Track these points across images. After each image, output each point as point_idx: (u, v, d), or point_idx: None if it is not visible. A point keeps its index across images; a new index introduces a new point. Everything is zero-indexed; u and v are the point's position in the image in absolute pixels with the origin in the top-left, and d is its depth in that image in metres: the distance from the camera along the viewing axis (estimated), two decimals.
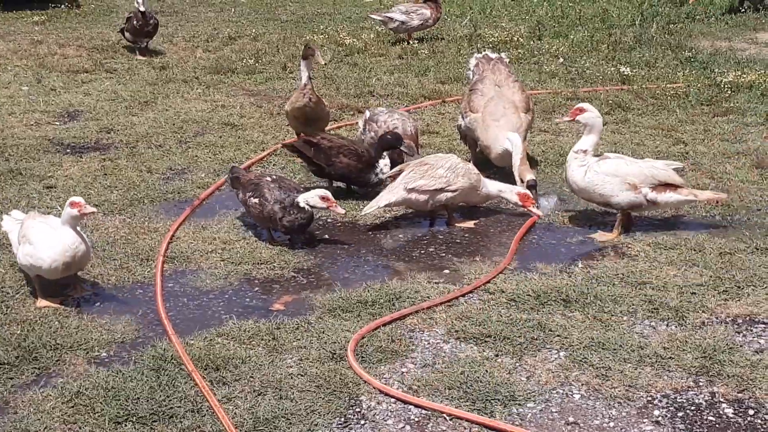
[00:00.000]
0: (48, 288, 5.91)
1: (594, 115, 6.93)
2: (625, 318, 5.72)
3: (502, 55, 8.72)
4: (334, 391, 4.99)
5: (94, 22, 14.41)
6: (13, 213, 6.33)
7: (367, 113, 8.24)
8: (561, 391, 5.02)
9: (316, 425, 4.70)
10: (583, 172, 6.82)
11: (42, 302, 5.86)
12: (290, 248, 6.71)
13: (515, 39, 12.86)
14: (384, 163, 7.48)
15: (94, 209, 5.78)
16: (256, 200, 6.72)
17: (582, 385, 5.06)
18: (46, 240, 5.73)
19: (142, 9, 11.89)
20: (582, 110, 6.95)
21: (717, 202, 7.23)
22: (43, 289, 5.88)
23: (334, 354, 5.32)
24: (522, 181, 7.28)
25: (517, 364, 5.25)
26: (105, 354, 5.37)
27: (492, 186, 7.14)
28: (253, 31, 13.69)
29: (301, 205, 6.59)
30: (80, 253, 5.74)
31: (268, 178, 6.83)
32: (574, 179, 6.89)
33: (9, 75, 11.21)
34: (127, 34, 12.23)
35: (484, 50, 8.92)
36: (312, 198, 6.60)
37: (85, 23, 14.30)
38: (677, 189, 6.83)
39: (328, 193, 6.63)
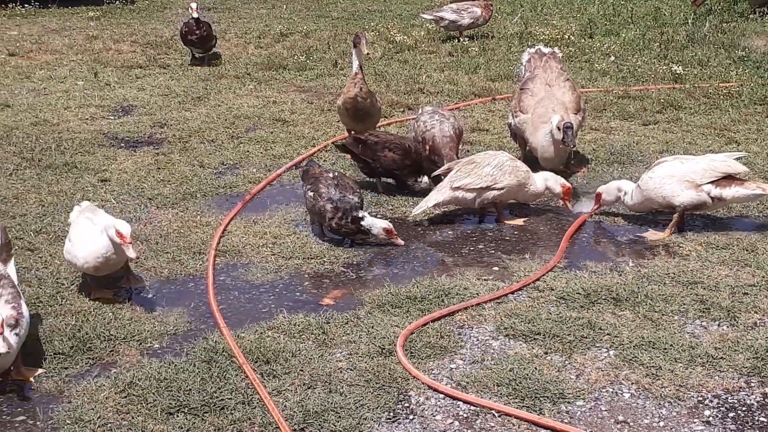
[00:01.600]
0: (98, 281, 5.99)
1: (611, 189, 7.05)
2: (675, 317, 5.69)
3: (555, 50, 8.68)
4: (383, 385, 5.02)
5: (148, 18, 14.55)
6: (83, 204, 6.38)
7: (419, 111, 8.25)
8: (611, 390, 5.01)
9: (364, 419, 4.73)
10: (638, 192, 6.85)
11: (95, 293, 5.94)
12: (340, 244, 6.74)
13: (566, 37, 12.81)
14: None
15: (134, 255, 5.65)
16: (311, 193, 6.77)
17: (632, 384, 5.05)
18: (83, 240, 5.79)
19: (194, 16, 11.17)
20: (600, 195, 7.09)
21: None
22: (93, 282, 5.97)
23: (383, 349, 5.35)
24: (558, 129, 7.44)
25: (567, 362, 5.25)
26: (157, 345, 5.44)
27: (539, 181, 7.12)
28: (304, 27, 13.76)
29: (363, 224, 6.61)
30: (112, 260, 5.77)
31: (330, 174, 6.86)
32: (631, 203, 6.98)
33: (65, 70, 11.37)
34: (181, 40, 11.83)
35: (537, 45, 8.88)
36: (376, 227, 6.62)
37: (139, 19, 14.46)
38: (743, 183, 6.72)
39: (391, 226, 6.66)
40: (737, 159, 6.93)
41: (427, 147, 7.73)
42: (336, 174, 6.92)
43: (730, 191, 6.71)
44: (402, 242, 6.70)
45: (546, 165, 7.63)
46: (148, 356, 5.31)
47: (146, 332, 5.54)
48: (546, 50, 8.56)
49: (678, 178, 6.71)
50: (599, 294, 5.94)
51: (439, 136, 7.70)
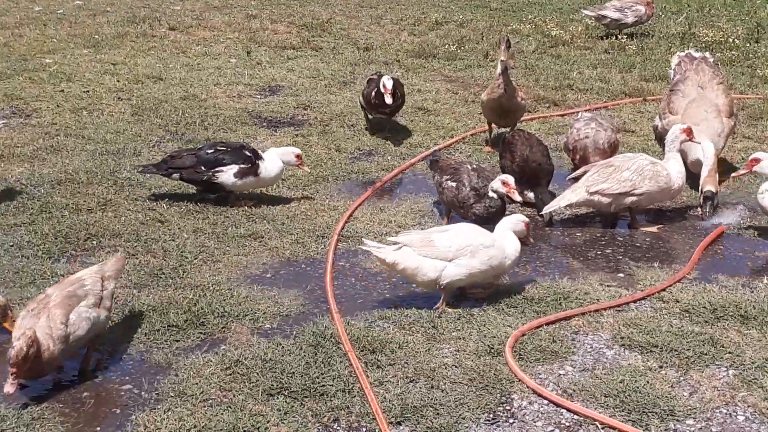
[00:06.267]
0: None
1: None
2: None
3: (706, 54, 8.36)
4: (487, 386, 4.93)
5: (309, 0, 14.71)
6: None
7: (578, 116, 7.99)
8: (724, 411, 4.78)
9: (463, 419, 4.65)
10: None
11: None
12: None
13: (731, 40, 12.32)
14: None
15: None
16: (453, 184, 6.69)
17: (748, 406, 4.81)
18: None
19: (388, 86, 8.43)
20: (757, 160, 6.71)
21: None
22: None
23: (492, 348, 5.25)
24: (701, 192, 6.96)
25: (682, 378, 5.04)
26: (268, 326, 5.49)
27: (678, 179, 6.87)
28: (461, 17, 13.66)
29: (490, 194, 6.50)
30: None
31: (468, 166, 6.78)
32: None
33: (220, 47, 11.60)
34: (361, 98, 8.92)
35: (688, 49, 8.57)
36: (496, 183, 6.50)
37: (299, 0, 14.62)
38: None
39: (509, 178, 6.50)
40: None
41: (577, 156, 7.51)
42: (475, 165, 6.80)
43: None
44: (519, 198, 6.55)
45: (693, 170, 7.29)
46: (257, 335, 5.36)
47: (260, 311, 5.60)
48: (697, 54, 8.25)
49: None
50: (726, 310, 5.68)
51: (591, 147, 7.46)
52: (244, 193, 7.17)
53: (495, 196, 6.47)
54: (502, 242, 5.73)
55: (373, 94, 8.38)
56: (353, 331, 5.35)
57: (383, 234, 6.65)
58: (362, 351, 5.19)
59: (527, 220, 5.94)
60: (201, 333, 5.36)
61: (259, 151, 7.12)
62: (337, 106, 9.44)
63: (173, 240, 6.46)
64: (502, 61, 8.22)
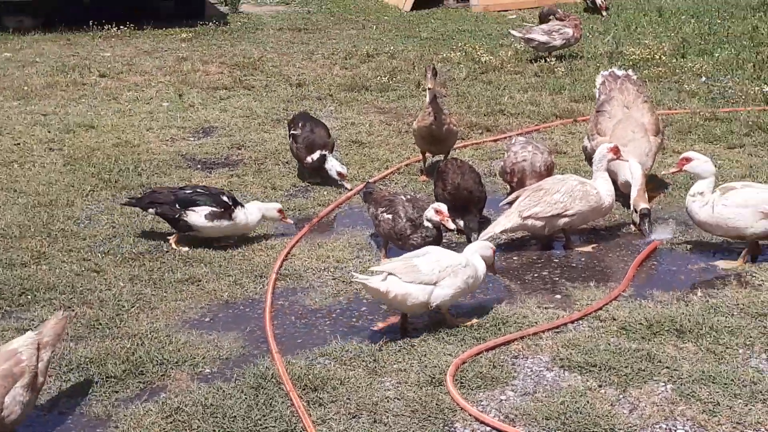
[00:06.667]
0: None
1: (700, 163, 6.67)
2: (740, 351, 5.48)
3: (630, 72, 8.49)
4: (429, 416, 4.94)
5: (239, 39, 14.72)
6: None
7: (512, 140, 8.07)
8: (665, 426, 4.84)
9: None
10: (709, 209, 6.54)
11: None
12: None
13: (657, 57, 12.52)
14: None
15: None
16: (389, 216, 6.71)
17: (687, 420, 4.88)
18: None
19: (343, 172, 8.30)
20: (688, 159, 6.73)
21: None
22: None
23: (433, 378, 5.27)
24: (635, 211, 7.05)
25: (621, 396, 5.09)
26: (209, 370, 5.46)
27: (607, 198, 6.96)
28: (392, 48, 13.75)
29: (425, 223, 6.53)
30: None
31: (403, 197, 6.81)
32: (701, 219, 6.63)
33: (152, 91, 11.55)
34: (293, 148, 8.61)
35: (611, 68, 8.70)
36: (429, 212, 6.54)
37: (230, 40, 14.63)
38: None
39: (442, 206, 6.54)
40: None
41: (515, 179, 7.57)
42: (409, 196, 6.83)
43: None
44: (453, 226, 6.55)
45: (624, 190, 7.37)
46: (198, 381, 5.33)
47: (199, 356, 5.57)
48: (620, 73, 8.39)
49: (753, 208, 6.47)
50: (662, 325, 5.76)
51: (528, 170, 7.52)
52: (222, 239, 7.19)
53: (430, 225, 6.50)
54: (473, 262, 5.89)
55: (313, 160, 8.36)
56: (294, 370, 5.34)
57: (322, 270, 6.67)
58: (304, 390, 5.18)
59: (494, 247, 6.07)
60: (140, 382, 5.32)
61: (239, 200, 7.23)
62: (271, 144, 9.45)
63: (109, 289, 6.41)
64: (429, 89, 8.29)
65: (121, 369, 5.40)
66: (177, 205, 7.05)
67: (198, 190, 7.20)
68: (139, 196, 7.52)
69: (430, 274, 5.69)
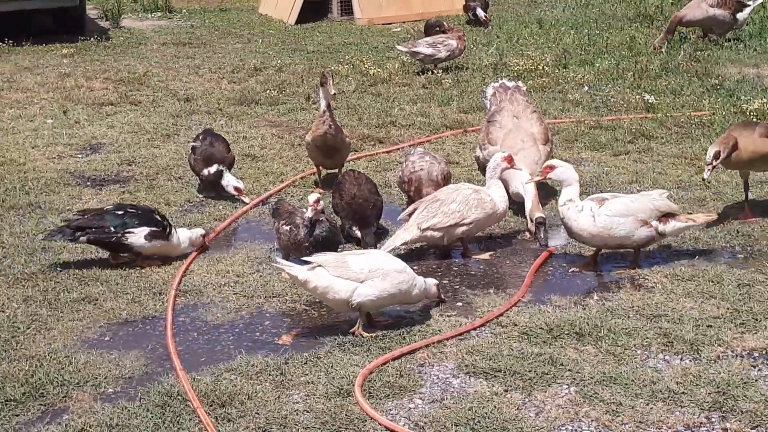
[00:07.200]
0: None
1: (564, 170, 6.82)
2: (638, 352, 5.62)
3: (519, 83, 8.67)
4: (339, 427, 4.94)
5: (123, 54, 14.51)
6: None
7: (411, 151, 8.14)
8: (570, 428, 4.94)
9: None
10: (590, 218, 6.67)
11: None
12: None
13: (541, 67, 12.78)
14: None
15: None
16: (287, 227, 6.70)
17: (592, 421, 4.98)
18: None
19: (209, 172, 8.29)
20: (552, 167, 6.86)
21: (711, 222, 7.07)
22: None
23: (342, 389, 5.27)
24: (531, 220, 7.18)
25: (527, 400, 5.18)
26: (111, 390, 5.36)
27: (501, 203, 7.08)
28: (279, 62, 13.72)
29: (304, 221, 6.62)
30: None
31: (304, 209, 6.80)
32: (581, 227, 6.71)
33: (35, 108, 11.29)
34: (191, 160, 8.55)
35: (501, 79, 8.85)
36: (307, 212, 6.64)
37: (113, 55, 14.41)
38: (676, 217, 6.78)
39: (312, 197, 6.63)
40: (666, 196, 6.96)
41: (412, 188, 7.63)
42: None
43: (670, 226, 6.74)
44: (311, 213, 6.58)
45: (516, 199, 7.49)
46: (101, 401, 5.23)
47: (101, 376, 5.46)
48: (510, 84, 8.54)
49: (633, 217, 6.66)
50: (562, 329, 5.88)
51: (425, 179, 7.58)
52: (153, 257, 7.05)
53: (306, 220, 6.57)
54: (413, 272, 6.00)
55: (210, 173, 8.28)
56: (200, 387, 5.28)
57: (222, 285, 6.61)
58: (211, 406, 5.13)
59: (437, 282, 6.20)
60: (41, 404, 5.19)
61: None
62: (162, 160, 9.33)
63: (2, 311, 6.24)
64: (332, 95, 8.24)
65: (20, 392, 5.26)
66: (113, 228, 6.88)
67: (128, 210, 7.03)
68: (56, 228, 7.11)
69: (358, 271, 5.77)
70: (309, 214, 6.57)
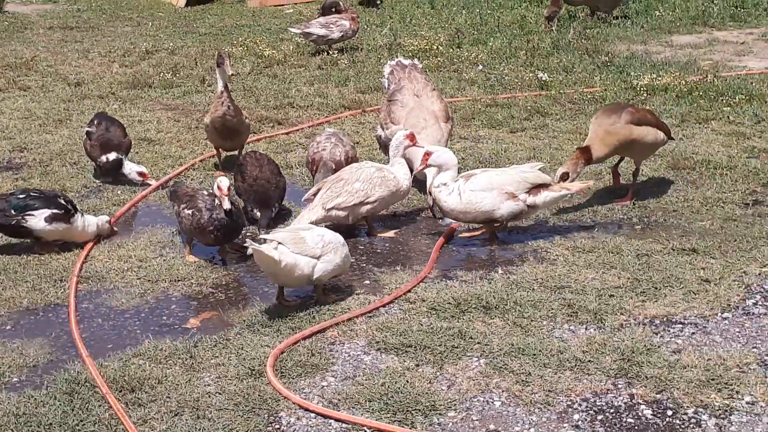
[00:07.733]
0: None
1: (441, 155, 6.89)
2: (544, 323, 5.73)
3: (415, 61, 8.71)
4: (253, 408, 4.92)
5: (8, 39, 14.12)
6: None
7: (323, 132, 8.11)
8: (482, 399, 5.00)
9: None
10: (456, 196, 6.75)
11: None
12: (208, 265, 6.61)
13: (435, 47, 12.86)
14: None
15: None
16: (189, 211, 6.60)
17: (502, 391, 5.06)
18: None
19: (107, 159, 8.14)
20: (430, 154, 6.91)
21: (589, 188, 7.25)
22: None
23: (253, 370, 5.25)
24: (431, 194, 7.19)
25: (438, 373, 5.23)
26: (16, 379, 5.24)
27: (405, 181, 7.12)
28: (171, 44, 13.52)
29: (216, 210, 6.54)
30: None
31: (205, 192, 6.72)
32: (450, 207, 6.79)
33: None
34: (86, 145, 8.39)
35: (397, 57, 8.89)
36: (213, 187, 6.59)
37: None
38: (549, 187, 6.88)
39: (223, 183, 6.52)
40: (540, 169, 7.06)
41: (315, 168, 7.61)
42: (211, 191, 6.74)
43: (542, 197, 6.84)
44: (228, 205, 6.49)
45: (420, 178, 7.51)
46: (6, 390, 5.11)
47: (4, 365, 5.34)
48: (407, 62, 8.58)
49: (497, 191, 6.74)
50: (470, 303, 5.94)
51: (327, 159, 7.58)
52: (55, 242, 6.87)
53: (226, 210, 6.49)
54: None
55: (108, 160, 8.10)
56: (108, 373, 5.20)
57: (125, 270, 6.51)
58: (121, 391, 5.05)
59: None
60: None
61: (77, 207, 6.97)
62: (55, 145, 9.12)
63: None
64: (228, 74, 8.16)
65: None
66: (12, 211, 6.70)
67: (31, 193, 6.87)
68: None
69: (315, 247, 5.86)
70: (226, 205, 6.47)
